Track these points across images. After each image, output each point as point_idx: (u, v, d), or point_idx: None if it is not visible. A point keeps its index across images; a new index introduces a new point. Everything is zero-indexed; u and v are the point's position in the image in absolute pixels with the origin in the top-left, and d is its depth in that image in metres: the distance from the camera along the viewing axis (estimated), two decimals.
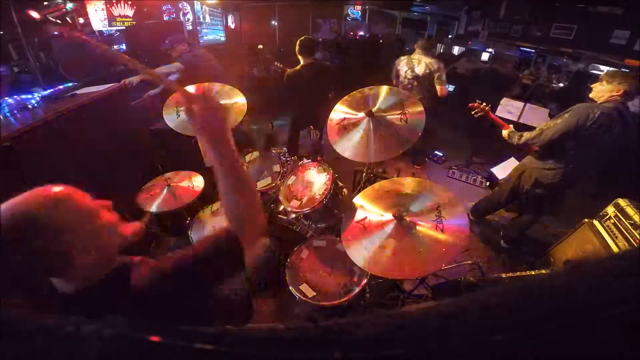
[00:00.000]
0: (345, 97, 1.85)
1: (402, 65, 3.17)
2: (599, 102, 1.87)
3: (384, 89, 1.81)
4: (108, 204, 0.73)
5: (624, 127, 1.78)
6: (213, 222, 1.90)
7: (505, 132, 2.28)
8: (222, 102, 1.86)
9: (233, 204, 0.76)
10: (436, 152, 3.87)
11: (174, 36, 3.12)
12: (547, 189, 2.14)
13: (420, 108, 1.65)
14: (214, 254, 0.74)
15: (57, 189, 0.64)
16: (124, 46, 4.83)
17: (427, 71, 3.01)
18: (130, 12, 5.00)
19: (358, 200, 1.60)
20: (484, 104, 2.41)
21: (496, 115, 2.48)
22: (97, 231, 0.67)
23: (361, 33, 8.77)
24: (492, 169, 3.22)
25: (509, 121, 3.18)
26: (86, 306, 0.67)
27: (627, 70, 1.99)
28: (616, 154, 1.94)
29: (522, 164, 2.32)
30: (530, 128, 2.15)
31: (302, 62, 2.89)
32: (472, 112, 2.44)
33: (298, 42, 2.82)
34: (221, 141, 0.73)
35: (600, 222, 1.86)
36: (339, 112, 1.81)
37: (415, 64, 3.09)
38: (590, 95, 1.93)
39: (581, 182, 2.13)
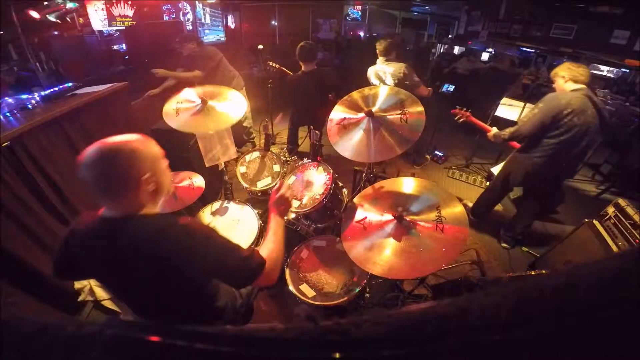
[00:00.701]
0: (345, 97, 1.85)
1: (374, 80, 3.03)
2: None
3: (384, 89, 1.81)
4: (167, 162, 0.93)
5: (596, 111, 1.96)
6: (213, 222, 1.90)
7: (490, 134, 2.36)
8: (216, 103, 1.86)
9: (274, 249, 1.04)
10: (436, 152, 3.87)
11: (183, 35, 3.13)
12: (541, 178, 2.18)
13: (421, 108, 1.64)
14: (239, 257, 0.91)
15: (140, 136, 0.85)
16: (124, 46, 4.84)
17: (397, 80, 2.84)
18: (130, 12, 5.01)
19: (358, 200, 1.59)
20: (465, 109, 2.52)
21: (494, 116, 2.52)
22: (161, 171, 0.88)
23: (361, 33, 8.77)
24: (492, 169, 3.21)
25: (508, 121, 3.19)
26: (118, 229, 0.82)
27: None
28: (596, 138, 2.05)
29: (513, 157, 2.35)
30: None
31: (303, 68, 2.82)
32: (455, 118, 2.54)
33: (298, 48, 2.75)
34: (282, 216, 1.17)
35: (600, 222, 1.86)
36: (339, 112, 1.81)
37: (382, 76, 2.93)
38: (554, 87, 2.14)
39: (571, 169, 2.16)
